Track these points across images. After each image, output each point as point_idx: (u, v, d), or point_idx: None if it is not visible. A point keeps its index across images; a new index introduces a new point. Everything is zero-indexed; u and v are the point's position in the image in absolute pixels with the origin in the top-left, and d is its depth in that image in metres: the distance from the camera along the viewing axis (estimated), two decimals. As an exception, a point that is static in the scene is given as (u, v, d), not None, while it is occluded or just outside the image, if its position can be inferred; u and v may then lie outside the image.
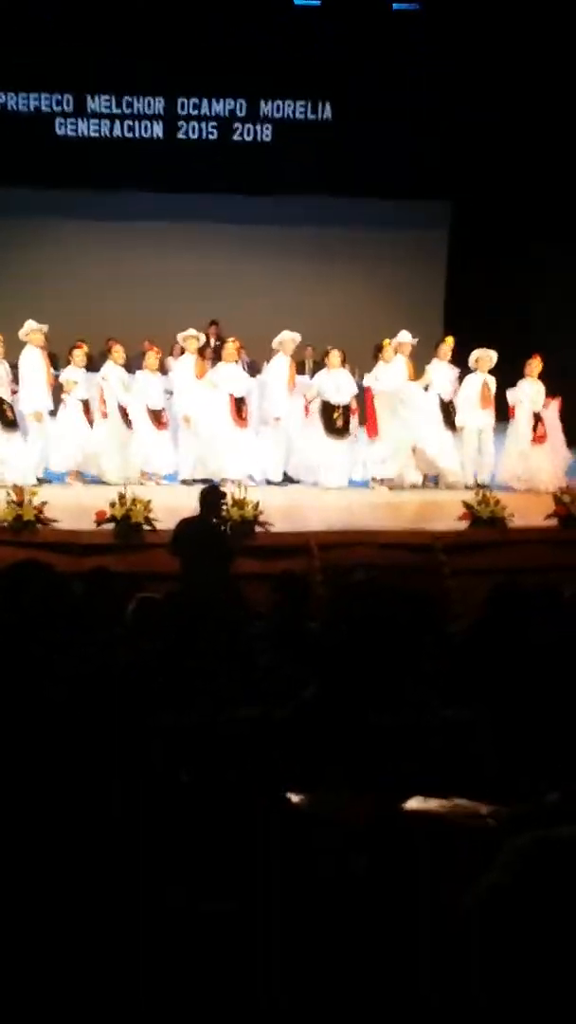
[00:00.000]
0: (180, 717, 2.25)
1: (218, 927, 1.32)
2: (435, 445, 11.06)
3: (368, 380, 10.98)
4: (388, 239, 15.54)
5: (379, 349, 11.07)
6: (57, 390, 10.85)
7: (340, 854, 1.33)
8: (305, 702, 1.72)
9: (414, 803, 1.44)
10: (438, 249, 15.83)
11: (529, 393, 11.15)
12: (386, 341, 11.10)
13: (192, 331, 11.13)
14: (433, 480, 11.18)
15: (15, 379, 10.69)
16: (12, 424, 10.44)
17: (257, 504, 8.83)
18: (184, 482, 10.51)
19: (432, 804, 1.43)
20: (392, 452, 10.89)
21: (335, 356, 11.03)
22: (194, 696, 2.61)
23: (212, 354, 12.12)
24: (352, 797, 1.44)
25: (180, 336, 11.21)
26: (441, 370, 11.18)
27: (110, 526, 8.66)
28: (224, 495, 7.48)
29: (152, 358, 11.08)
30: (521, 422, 11.19)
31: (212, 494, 7.30)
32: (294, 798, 1.41)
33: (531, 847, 1.18)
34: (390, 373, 10.99)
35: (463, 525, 9.23)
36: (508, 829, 1.42)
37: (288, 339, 11.05)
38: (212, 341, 13.28)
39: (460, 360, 11.37)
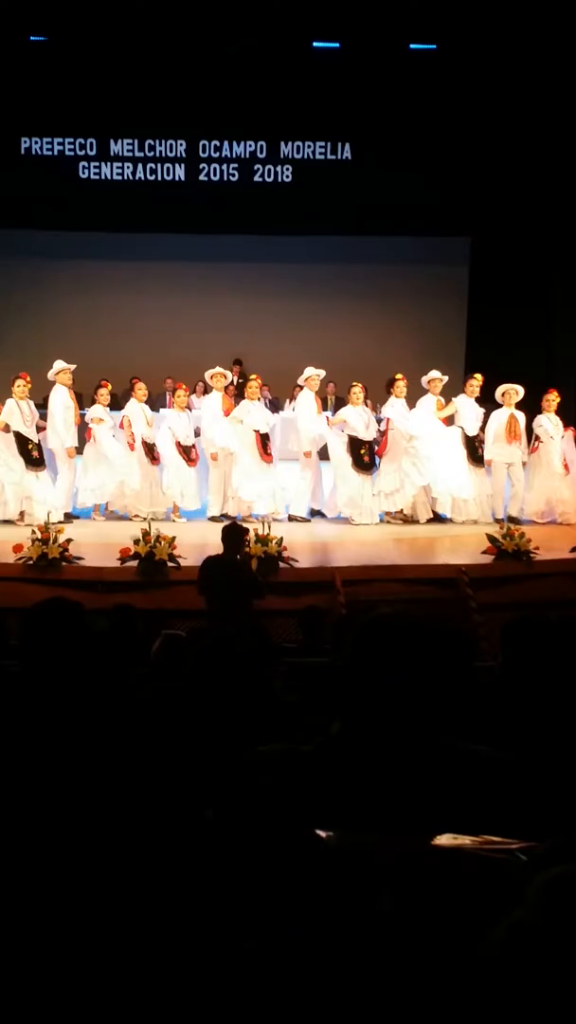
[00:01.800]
0: (205, 754, 2.23)
1: (243, 966, 1.30)
2: (449, 481, 11.03)
3: (387, 411, 11.02)
4: (409, 276, 15.64)
5: (391, 383, 11.13)
6: (82, 428, 10.96)
7: (369, 892, 1.31)
8: (331, 738, 1.70)
9: (444, 840, 1.42)
10: (459, 285, 15.91)
11: (547, 427, 11.15)
12: (398, 376, 11.15)
13: (219, 369, 11.24)
14: (444, 516, 11.13)
15: (42, 417, 10.81)
16: (39, 463, 10.52)
17: (281, 540, 8.84)
18: (212, 519, 10.54)
19: (463, 840, 1.40)
20: (399, 486, 10.91)
21: (358, 392, 11.08)
22: (219, 733, 2.59)
23: (235, 391, 12.19)
24: (381, 834, 1.42)
25: (207, 374, 11.31)
26: (468, 406, 11.20)
27: (134, 563, 8.68)
28: (245, 531, 7.48)
29: (181, 395, 11.17)
30: (544, 455, 11.16)
31: (234, 531, 7.31)
32: (322, 835, 1.39)
33: (559, 882, 1.16)
34: (402, 408, 11.05)
35: (488, 559, 9.19)
36: (538, 865, 1.39)
37: (314, 375, 11.13)
38: (235, 379, 13.38)
39: (485, 395, 11.39)
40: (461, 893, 1.28)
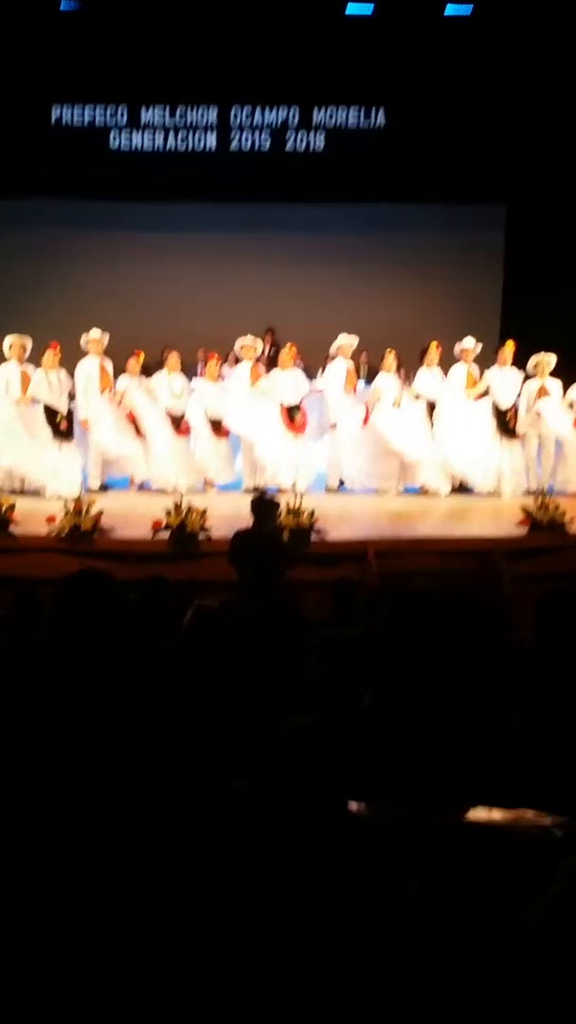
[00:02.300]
0: (237, 725, 2.22)
1: (271, 937, 1.29)
2: (470, 456, 10.93)
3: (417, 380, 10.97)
4: (443, 244, 15.43)
5: (424, 352, 11.03)
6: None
7: (398, 868, 1.29)
8: (363, 710, 1.68)
9: (478, 814, 1.39)
10: (494, 253, 15.67)
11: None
12: (433, 343, 11.04)
13: (249, 339, 11.15)
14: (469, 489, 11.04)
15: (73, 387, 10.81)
16: (66, 435, 10.52)
17: (312, 512, 8.81)
18: (246, 491, 10.51)
19: (496, 815, 1.38)
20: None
21: (391, 360, 10.99)
22: (251, 704, 2.58)
23: (267, 361, 12.11)
24: (414, 807, 1.40)
25: (237, 344, 11.24)
26: (502, 376, 11.07)
27: (166, 535, 8.70)
28: (275, 503, 7.45)
29: (213, 366, 11.10)
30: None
31: (262, 503, 7.29)
32: (353, 807, 1.38)
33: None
34: (433, 378, 10.95)
35: (522, 531, 9.11)
36: (572, 841, 1.37)
37: (347, 343, 11.04)
38: (268, 349, 13.30)
39: (521, 365, 11.26)
40: (494, 869, 1.26)
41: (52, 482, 10.20)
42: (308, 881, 1.31)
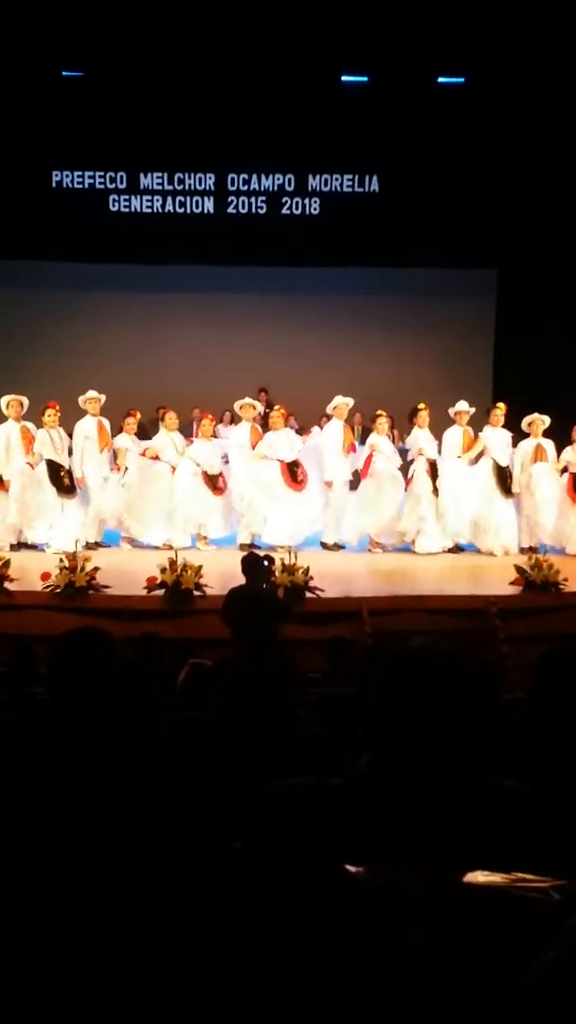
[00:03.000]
0: (233, 784, 2.22)
1: (273, 1001, 1.29)
2: (478, 512, 11.04)
3: (409, 441, 11.09)
4: (435, 307, 15.68)
5: (414, 413, 11.15)
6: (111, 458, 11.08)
7: (400, 928, 1.30)
8: (361, 772, 1.69)
9: (477, 876, 1.40)
10: (486, 316, 15.93)
11: (572, 458, 11.14)
12: (421, 405, 11.18)
13: (248, 400, 11.31)
14: (470, 547, 11.11)
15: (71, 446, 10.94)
16: (70, 490, 10.63)
17: (307, 569, 8.82)
18: (242, 547, 10.54)
19: (495, 878, 1.39)
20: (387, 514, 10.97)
21: (383, 422, 11.12)
22: (245, 764, 2.58)
23: (261, 420, 12.24)
24: (412, 869, 1.40)
25: (236, 404, 11.36)
26: (495, 436, 11.20)
27: (160, 592, 8.69)
28: (265, 562, 7.45)
29: (207, 425, 11.23)
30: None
31: (252, 561, 7.31)
32: (351, 870, 1.38)
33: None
34: (424, 438, 11.07)
35: (516, 590, 9.13)
36: (571, 904, 1.37)
37: (342, 404, 11.17)
38: (264, 409, 13.43)
39: (512, 427, 11.39)
40: (494, 931, 1.26)
41: (57, 538, 10.30)
42: (306, 942, 1.31)
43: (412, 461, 11.07)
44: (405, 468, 11.12)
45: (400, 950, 1.25)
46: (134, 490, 10.81)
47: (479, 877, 1.37)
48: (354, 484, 11.12)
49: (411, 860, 1.44)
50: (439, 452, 11.13)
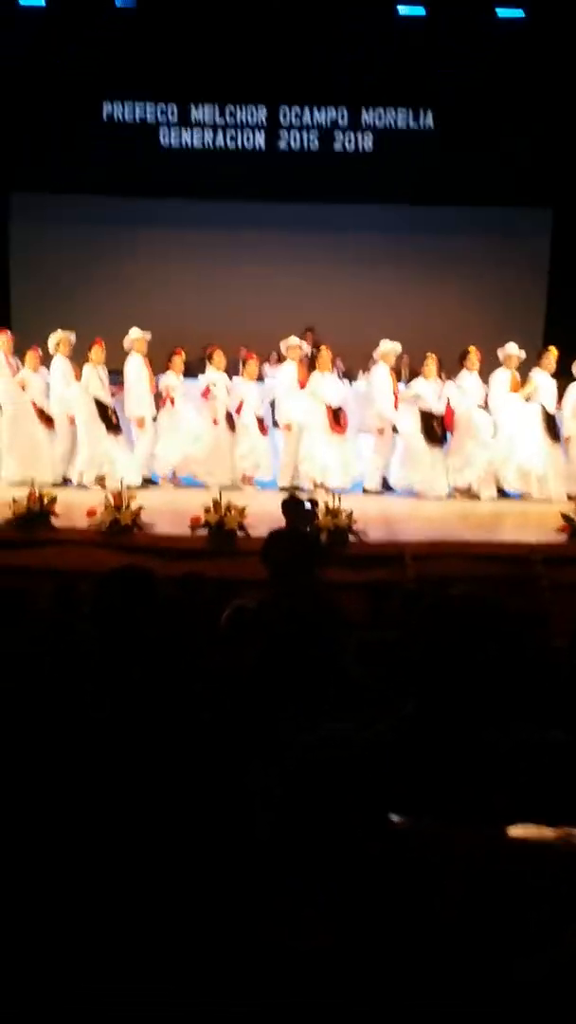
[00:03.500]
0: (275, 729, 2.22)
1: (314, 957, 1.29)
2: (529, 458, 10.88)
3: (449, 387, 10.90)
4: (489, 247, 15.35)
5: (464, 356, 10.97)
6: (157, 396, 11.05)
7: (439, 881, 1.28)
8: (405, 719, 1.67)
9: (521, 830, 1.38)
10: (539, 257, 15.56)
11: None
12: (472, 348, 10.99)
13: (295, 339, 11.20)
14: (512, 494, 10.97)
15: (114, 383, 10.93)
16: (117, 428, 10.68)
17: (351, 513, 8.79)
18: (283, 489, 10.52)
19: (541, 832, 1.37)
20: (466, 463, 10.81)
21: (431, 364, 10.96)
22: (290, 707, 2.58)
23: (307, 360, 12.12)
24: (456, 821, 1.39)
25: (283, 345, 11.26)
26: (545, 381, 10.99)
27: (204, 532, 8.72)
28: (305, 503, 7.44)
29: (252, 366, 11.15)
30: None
31: (292, 503, 7.29)
32: (395, 820, 1.37)
33: None
34: (473, 382, 10.90)
35: (562, 537, 9.04)
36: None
37: (390, 350, 11.03)
38: (309, 349, 13.30)
39: (563, 370, 11.16)
40: (540, 886, 1.25)
41: (111, 471, 10.37)
42: (348, 893, 1.30)
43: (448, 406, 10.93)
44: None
45: (438, 904, 1.24)
46: (179, 430, 10.82)
47: (524, 831, 1.35)
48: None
49: (454, 812, 1.43)
50: (486, 396, 10.96)
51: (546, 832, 1.37)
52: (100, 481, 10.42)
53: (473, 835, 1.35)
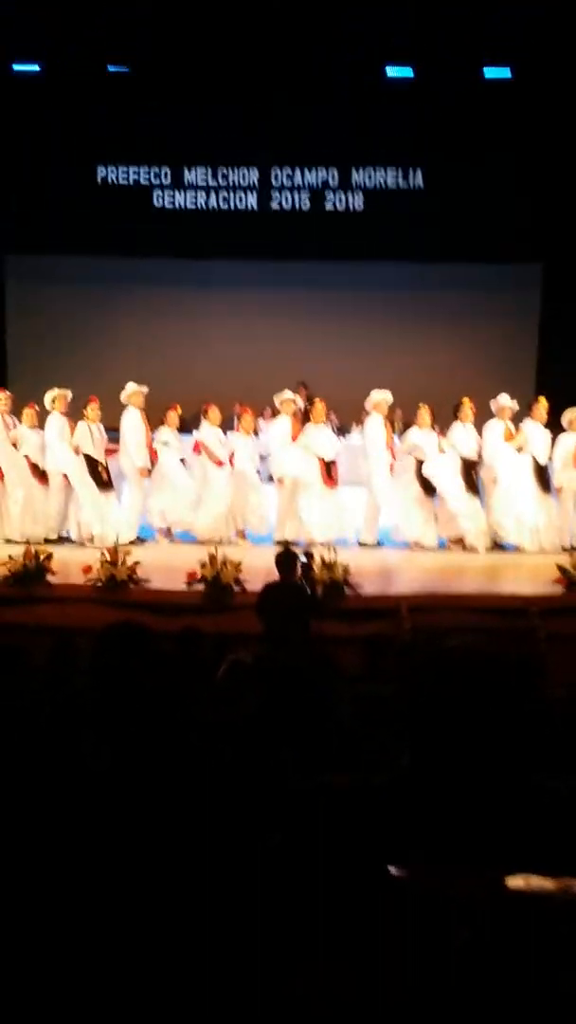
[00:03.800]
0: (273, 781, 2.22)
1: (314, 1002, 1.28)
2: (523, 509, 10.92)
3: (450, 436, 11.00)
4: (479, 302, 15.56)
5: (458, 407, 11.06)
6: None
7: (441, 930, 1.28)
8: (402, 770, 1.68)
9: (520, 881, 1.38)
10: (530, 311, 15.77)
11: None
12: (466, 400, 11.08)
13: (289, 394, 11.30)
14: (511, 546, 10.97)
15: (112, 440, 11.00)
16: (108, 485, 10.71)
17: (347, 567, 8.79)
18: (279, 543, 10.53)
19: (540, 882, 1.36)
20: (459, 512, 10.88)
21: (425, 414, 11.05)
22: (287, 760, 2.57)
23: (301, 414, 12.22)
24: (454, 871, 1.39)
25: (277, 399, 11.35)
26: (536, 432, 11.08)
27: (200, 586, 8.71)
28: (297, 557, 7.43)
29: (248, 420, 11.23)
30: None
31: (285, 556, 7.29)
32: (393, 870, 1.37)
33: None
34: (467, 434, 10.98)
35: (558, 589, 9.04)
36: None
37: (382, 399, 11.11)
38: (302, 403, 13.40)
39: (554, 423, 11.25)
40: (539, 936, 1.24)
41: (102, 530, 10.39)
42: (346, 942, 1.30)
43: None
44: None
45: (443, 953, 1.23)
46: (175, 484, 10.86)
47: (524, 881, 1.35)
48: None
49: (454, 862, 1.42)
50: (479, 448, 11.04)
51: (546, 883, 1.37)
52: (92, 538, 10.42)
53: (472, 885, 1.35)
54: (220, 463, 10.79)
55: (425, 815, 1.54)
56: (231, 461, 10.92)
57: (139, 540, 10.72)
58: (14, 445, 10.74)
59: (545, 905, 1.32)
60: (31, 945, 1.75)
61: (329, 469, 10.83)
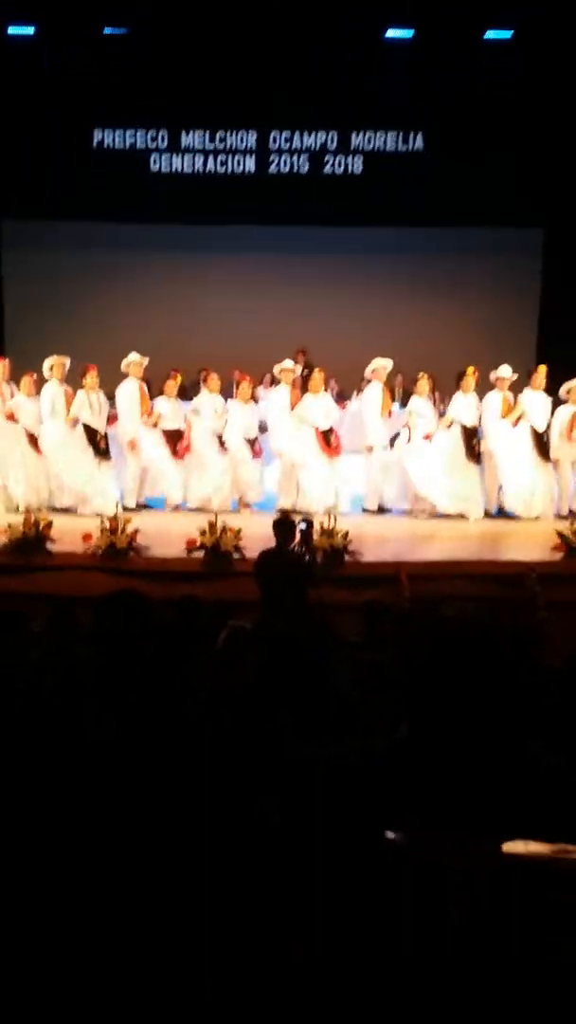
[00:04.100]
0: (272, 750, 2.23)
1: (316, 969, 1.30)
2: (517, 481, 10.94)
3: (452, 406, 10.98)
4: (480, 267, 15.45)
5: (461, 377, 11.03)
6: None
7: (438, 897, 1.30)
8: (399, 741, 1.69)
9: (516, 846, 1.39)
10: (531, 277, 15.67)
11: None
12: (470, 369, 11.04)
13: (288, 363, 11.26)
14: (509, 513, 10.99)
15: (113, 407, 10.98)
16: (105, 453, 10.70)
17: (346, 533, 8.81)
18: (279, 511, 10.53)
19: (536, 848, 1.38)
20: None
21: (425, 383, 11.02)
22: (286, 728, 2.59)
23: (300, 382, 12.19)
24: (451, 838, 1.40)
25: (276, 368, 11.31)
26: (536, 400, 11.06)
27: (200, 554, 8.73)
28: (294, 524, 7.43)
29: (245, 388, 11.19)
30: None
31: (282, 524, 7.30)
32: (391, 836, 1.38)
33: None
34: (469, 403, 10.96)
35: (557, 556, 9.06)
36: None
37: (381, 366, 11.07)
38: (301, 369, 13.35)
39: (554, 390, 11.22)
40: (536, 901, 1.26)
41: (96, 499, 10.39)
42: (347, 911, 1.32)
43: (450, 426, 10.97)
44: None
45: (441, 920, 1.25)
46: (204, 462, 10.85)
47: (520, 847, 1.36)
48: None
49: (450, 829, 1.44)
50: (479, 417, 11.03)
51: (542, 848, 1.38)
52: (89, 508, 10.42)
53: (469, 851, 1.36)
54: (188, 448, 10.78)
55: (422, 783, 1.55)
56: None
57: (139, 507, 10.72)
58: (11, 416, 10.70)
59: (542, 871, 1.33)
60: (31, 909, 1.77)
61: (328, 438, 10.80)
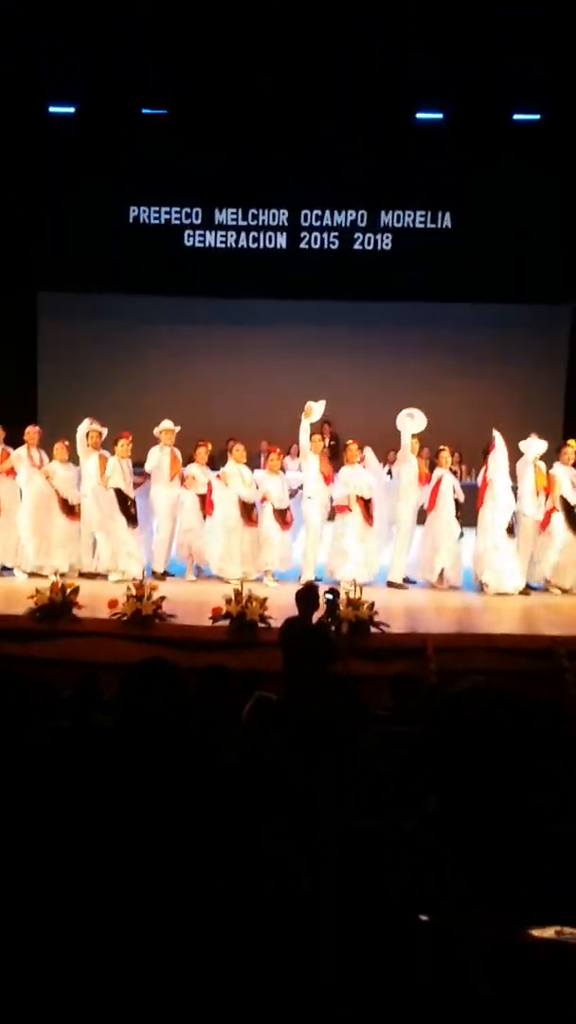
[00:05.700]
0: (299, 824, 2.21)
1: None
2: (551, 551, 10.89)
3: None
4: (508, 342, 15.59)
5: (487, 451, 11.04)
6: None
7: (468, 976, 1.27)
8: (428, 815, 1.67)
9: (548, 932, 1.37)
10: (559, 351, 15.78)
11: None
12: (571, 442, 11.10)
13: (317, 435, 11.35)
14: (536, 586, 10.90)
15: (139, 474, 11.10)
16: (134, 520, 10.78)
17: (372, 604, 8.77)
18: (305, 582, 10.50)
19: (566, 931, 1.36)
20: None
21: (446, 455, 11.08)
22: (311, 801, 2.56)
23: (329, 453, 12.23)
24: (481, 918, 1.38)
25: (302, 438, 11.37)
26: (564, 474, 11.04)
27: (226, 623, 8.72)
28: (317, 594, 7.37)
29: (274, 459, 11.26)
30: None
31: (305, 593, 7.26)
32: (422, 917, 1.36)
33: None
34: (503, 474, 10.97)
35: (585, 631, 8.97)
36: None
37: (414, 441, 11.13)
38: (329, 441, 13.42)
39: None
40: (564, 985, 1.23)
41: (128, 564, 10.46)
42: (378, 985, 1.29)
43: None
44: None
45: (467, 998, 1.23)
46: (227, 528, 10.88)
47: (548, 932, 1.34)
48: (421, 519, 11.07)
49: (479, 908, 1.42)
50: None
51: (572, 932, 1.36)
52: (118, 573, 10.50)
53: (500, 932, 1.34)
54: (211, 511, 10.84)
55: (451, 861, 1.53)
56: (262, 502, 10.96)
57: (166, 575, 10.76)
58: (46, 478, 10.84)
59: (570, 954, 1.31)
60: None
61: (367, 507, 10.81)
